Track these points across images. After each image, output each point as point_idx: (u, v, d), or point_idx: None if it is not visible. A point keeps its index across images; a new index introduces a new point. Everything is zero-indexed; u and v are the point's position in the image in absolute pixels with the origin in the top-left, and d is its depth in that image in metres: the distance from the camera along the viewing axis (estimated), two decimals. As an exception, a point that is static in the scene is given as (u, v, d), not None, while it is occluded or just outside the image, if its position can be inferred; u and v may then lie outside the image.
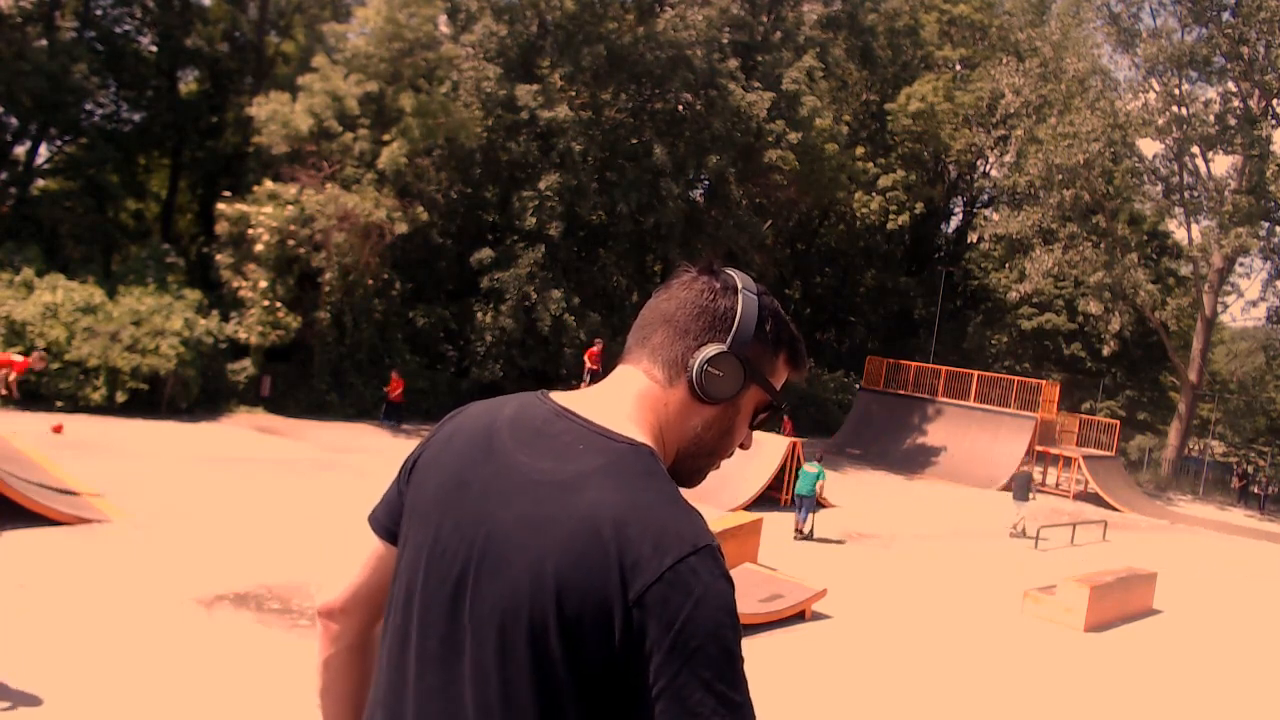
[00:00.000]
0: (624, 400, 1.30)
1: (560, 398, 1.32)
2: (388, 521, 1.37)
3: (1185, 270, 34.03)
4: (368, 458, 15.77)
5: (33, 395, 16.11)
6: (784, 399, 1.39)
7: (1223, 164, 38.89)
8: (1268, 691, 9.38)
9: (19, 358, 14.90)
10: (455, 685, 1.17)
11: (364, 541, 1.40)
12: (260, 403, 19.62)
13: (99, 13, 24.58)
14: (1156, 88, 29.62)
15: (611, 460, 1.20)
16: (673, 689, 1.08)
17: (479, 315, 22.92)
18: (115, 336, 16.95)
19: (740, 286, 1.32)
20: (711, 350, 1.28)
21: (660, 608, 1.09)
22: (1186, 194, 30.92)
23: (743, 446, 1.40)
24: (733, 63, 25.29)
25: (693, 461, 1.35)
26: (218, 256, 20.20)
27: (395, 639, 1.26)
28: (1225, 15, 28.53)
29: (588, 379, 20.22)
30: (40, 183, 24.39)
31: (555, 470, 1.20)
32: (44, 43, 21.97)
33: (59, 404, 16.30)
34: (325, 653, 1.42)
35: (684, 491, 1.25)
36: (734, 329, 1.29)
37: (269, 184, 19.81)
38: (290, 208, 19.40)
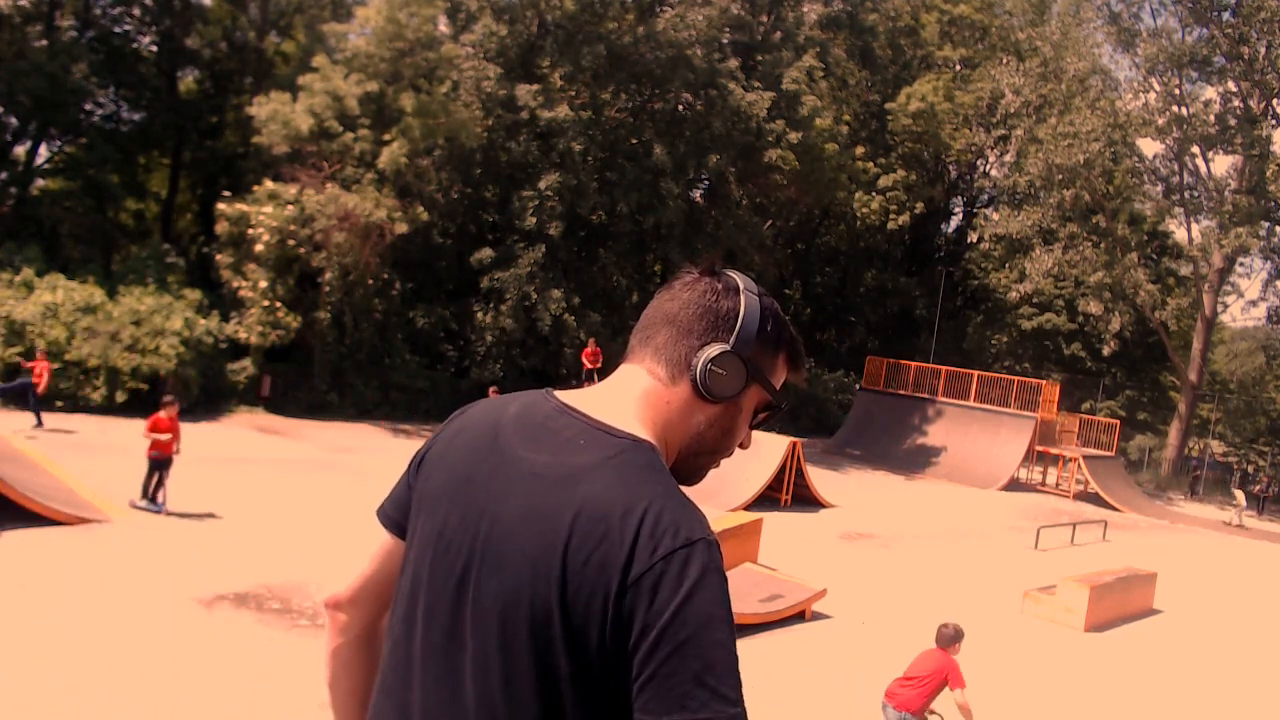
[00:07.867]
0: (627, 398, 1.32)
1: (564, 396, 1.34)
2: (396, 515, 1.39)
3: (1185, 270, 34.01)
4: (368, 458, 15.77)
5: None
6: (784, 399, 1.41)
7: (1223, 164, 38.96)
8: (1268, 691, 9.38)
9: None
10: (458, 676, 1.20)
11: (373, 535, 1.43)
12: (260, 403, 19.61)
13: (99, 13, 24.55)
14: (1156, 88, 29.62)
15: (612, 454, 1.21)
16: (657, 679, 1.08)
17: (479, 315, 22.91)
18: (115, 336, 16.93)
19: (742, 287, 1.35)
20: (715, 350, 1.30)
21: (649, 597, 1.10)
22: (1186, 194, 30.93)
23: (742, 446, 1.42)
24: (733, 63, 25.28)
25: (694, 459, 1.37)
26: (218, 256, 20.17)
27: (401, 630, 1.29)
28: (1225, 15, 28.52)
29: (585, 378, 20.20)
30: (40, 183, 24.38)
31: (555, 464, 1.22)
32: (44, 43, 21.96)
33: (59, 404, 16.28)
34: (334, 643, 1.45)
35: (684, 490, 1.27)
36: (737, 329, 1.31)
37: (269, 184, 19.77)
38: (290, 208, 19.38)
